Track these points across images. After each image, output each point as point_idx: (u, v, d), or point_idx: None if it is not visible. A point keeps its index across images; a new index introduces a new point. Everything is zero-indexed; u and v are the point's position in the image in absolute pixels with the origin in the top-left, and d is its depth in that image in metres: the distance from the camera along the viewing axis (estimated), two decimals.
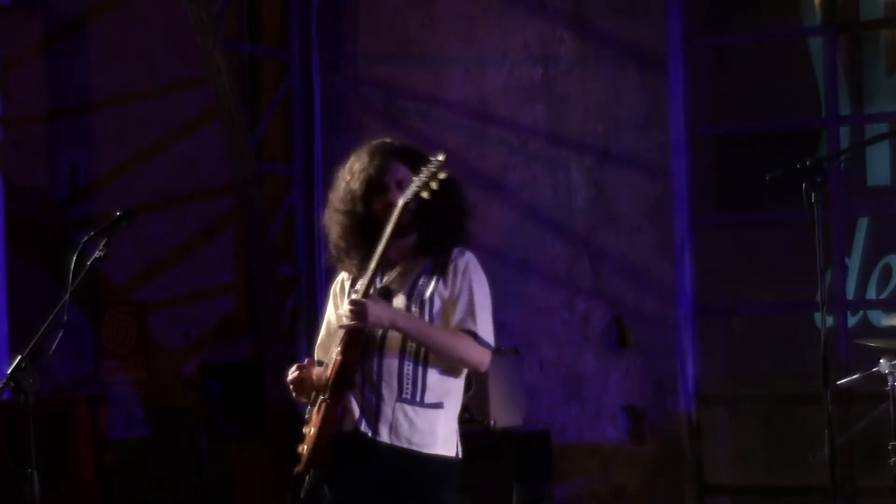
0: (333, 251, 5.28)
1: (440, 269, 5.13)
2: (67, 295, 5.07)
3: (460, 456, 5.24)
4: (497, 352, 7.93)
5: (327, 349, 5.34)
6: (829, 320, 7.98)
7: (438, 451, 5.16)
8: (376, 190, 5.19)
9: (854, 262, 8.54)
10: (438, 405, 5.16)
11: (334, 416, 5.11)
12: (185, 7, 8.62)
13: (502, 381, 7.92)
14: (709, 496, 8.58)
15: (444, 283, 5.14)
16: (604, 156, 8.70)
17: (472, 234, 5.22)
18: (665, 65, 8.58)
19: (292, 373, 5.23)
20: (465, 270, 5.13)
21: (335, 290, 5.36)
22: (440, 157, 5.01)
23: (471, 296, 5.13)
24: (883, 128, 8.41)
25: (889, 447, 6.59)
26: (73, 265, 5.12)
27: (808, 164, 5.76)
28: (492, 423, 7.80)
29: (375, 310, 5.02)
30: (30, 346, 5.00)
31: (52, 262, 9.59)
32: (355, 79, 9.28)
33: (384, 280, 5.19)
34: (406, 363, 5.13)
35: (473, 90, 9.00)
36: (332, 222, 5.26)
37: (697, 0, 8.75)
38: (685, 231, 8.57)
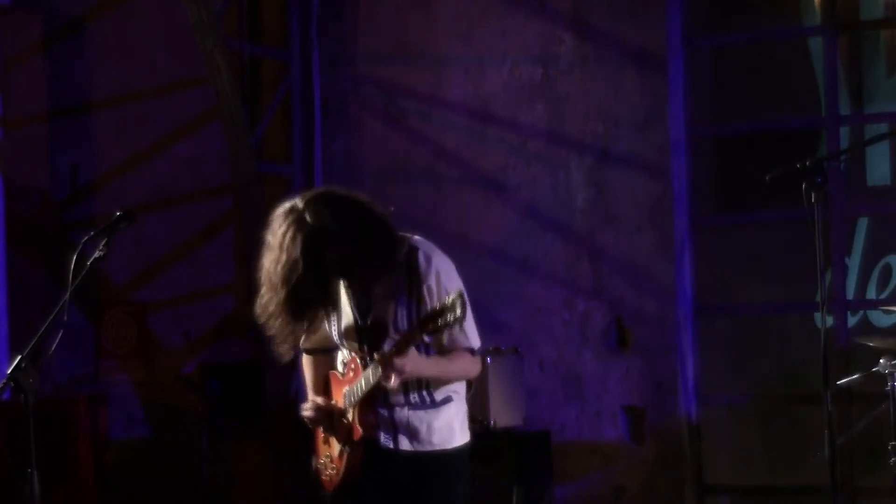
0: (296, 329, 5.19)
1: (415, 290, 5.10)
2: (67, 295, 5.06)
3: (470, 437, 5.30)
4: (497, 352, 7.98)
5: (312, 339, 5.39)
6: (829, 320, 7.98)
7: (457, 443, 5.23)
8: (318, 275, 5.07)
9: (854, 262, 8.54)
10: (448, 399, 5.22)
11: (358, 461, 5.19)
12: (185, 7, 8.62)
13: (502, 381, 7.92)
14: (709, 496, 8.58)
15: (423, 304, 5.11)
16: (604, 156, 8.70)
17: (397, 242, 5.11)
18: (665, 65, 8.58)
19: (309, 410, 5.27)
20: (437, 283, 5.12)
21: None
22: (452, 313, 4.84)
23: None
24: (883, 128, 8.41)
25: (889, 447, 6.59)
26: (73, 265, 5.12)
27: (808, 164, 5.76)
28: (492, 423, 7.80)
29: (409, 366, 5.01)
30: (30, 346, 5.00)
31: (52, 262, 9.59)
32: (355, 79, 9.28)
33: (365, 310, 5.18)
34: (410, 388, 5.17)
35: (473, 90, 9.00)
36: (278, 309, 5.12)
37: (697, 0, 8.75)
38: (685, 231, 8.57)
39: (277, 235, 5.04)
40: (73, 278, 5.11)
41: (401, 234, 5.15)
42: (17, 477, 8.29)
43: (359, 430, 5.14)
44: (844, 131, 8.46)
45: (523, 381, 8.21)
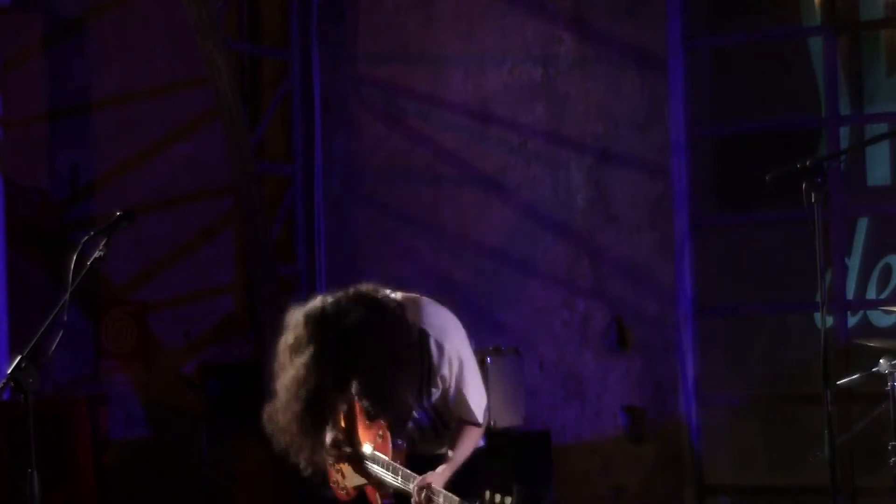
0: (303, 446, 5.20)
1: (428, 377, 5.14)
2: (67, 295, 5.07)
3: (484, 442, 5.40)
4: (497, 352, 7.98)
5: None
6: (829, 320, 7.98)
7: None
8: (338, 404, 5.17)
9: (854, 262, 8.54)
10: None
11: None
12: (185, 7, 8.62)
13: (502, 381, 7.92)
14: (709, 496, 8.58)
15: (438, 388, 5.18)
16: (604, 156, 8.70)
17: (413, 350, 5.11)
18: (665, 65, 8.58)
19: (334, 456, 5.33)
20: (450, 371, 5.16)
21: None
22: None
23: (465, 385, 5.20)
24: (883, 128, 8.41)
25: (889, 447, 6.58)
26: (73, 265, 5.12)
27: (808, 164, 5.75)
28: (492, 423, 7.80)
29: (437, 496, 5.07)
30: (30, 346, 5.00)
31: (52, 262, 9.58)
32: (355, 79, 9.28)
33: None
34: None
35: (473, 90, 9.00)
36: (292, 422, 5.11)
37: (697, 0, 8.75)
38: (685, 231, 8.56)
39: (301, 348, 5.01)
40: (73, 278, 5.11)
41: (405, 297, 5.11)
42: (17, 477, 8.30)
43: (378, 502, 5.28)
44: (844, 131, 8.46)
45: (523, 381, 8.21)
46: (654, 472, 8.54)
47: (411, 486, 5.05)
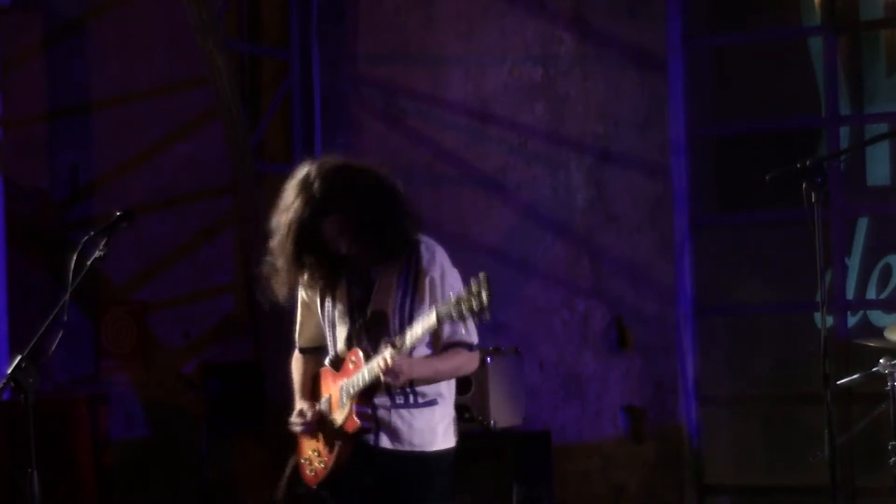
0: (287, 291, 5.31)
1: (414, 281, 5.13)
2: (67, 295, 5.07)
3: (456, 442, 5.30)
4: (497, 352, 7.98)
5: (306, 335, 5.52)
6: (829, 320, 7.98)
7: (439, 446, 5.22)
8: (319, 244, 5.19)
9: (854, 262, 8.54)
10: (433, 402, 5.22)
11: (348, 454, 5.21)
12: (185, 7, 8.62)
13: (502, 381, 7.92)
14: (709, 496, 8.58)
15: (423, 297, 5.13)
16: (604, 156, 8.71)
17: (418, 226, 5.21)
18: (665, 65, 8.58)
19: (297, 424, 5.33)
20: (441, 278, 5.15)
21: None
22: (484, 297, 4.84)
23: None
24: (883, 128, 8.41)
25: (889, 447, 6.59)
26: (73, 265, 5.12)
27: (808, 164, 5.75)
28: (492, 423, 7.80)
29: (406, 371, 5.03)
30: (30, 346, 5.00)
31: (52, 262, 9.58)
32: (355, 79, 9.28)
33: (366, 296, 5.20)
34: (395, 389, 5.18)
35: (473, 90, 9.00)
36: (279, 260, 5.25)
37: (697, 0, 8.75)
38: (685, 231, 8.57)
39: (285, 197, 5.19)
40: (73, 278, 5.11)
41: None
42: (17, 477, 8.31)
43: (355, 422, 5.14)
44: (844, 131, 8.47)
45: (523, 381, 8.21)
46: (654, 472, 8.54)
47: (378, 360, 5.00)
